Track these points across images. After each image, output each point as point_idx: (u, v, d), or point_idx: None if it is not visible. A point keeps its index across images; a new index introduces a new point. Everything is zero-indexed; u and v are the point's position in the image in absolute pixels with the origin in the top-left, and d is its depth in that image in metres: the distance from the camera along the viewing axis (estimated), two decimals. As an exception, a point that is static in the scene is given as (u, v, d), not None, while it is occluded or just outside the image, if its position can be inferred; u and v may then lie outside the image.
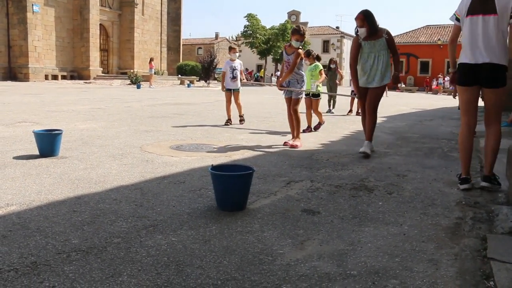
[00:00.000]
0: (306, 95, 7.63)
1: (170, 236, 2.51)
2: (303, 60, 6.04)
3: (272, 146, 5.84)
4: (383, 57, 5.29)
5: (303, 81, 6.08)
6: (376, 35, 5.23)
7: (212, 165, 3.23)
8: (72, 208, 2.95)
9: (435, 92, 37.05)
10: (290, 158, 4.97)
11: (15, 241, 2.37)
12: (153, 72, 26.49)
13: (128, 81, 28.44)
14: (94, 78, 30.23)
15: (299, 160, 4.85)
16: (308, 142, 6.31)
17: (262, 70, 45.98)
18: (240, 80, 8.58)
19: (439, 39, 43.52)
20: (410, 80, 43.72)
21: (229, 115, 8.30)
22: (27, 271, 2.04)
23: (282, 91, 6.25)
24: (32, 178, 3.74)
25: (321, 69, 8.13)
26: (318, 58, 8.33)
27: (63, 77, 29.59)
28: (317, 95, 7.98)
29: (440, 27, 46.47)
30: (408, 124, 9.51)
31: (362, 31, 5.19)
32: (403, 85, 41.02)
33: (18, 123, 7.37)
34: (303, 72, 6.11)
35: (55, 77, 28.89)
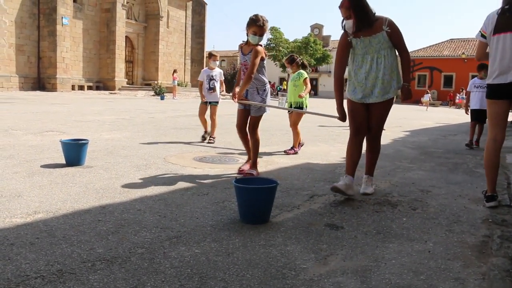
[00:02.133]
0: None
1: (194, 248, 2.52)
2: (264, 62, 4.66)
3: (295, 160, 5.82)
4: (385, 59, 3.75)
5: (265, 90, 4.64)
6: (372, 29, 3.71)
7: (236, 177, 3.25)
8: (97, 218, 3.00)
9: (459, 106, 36.48)
10: (313, 171, 4.96)
11: (42, 248, 2.42)
12: (176, 84, 26.85)
13: (152, 92, 28.86)
14: (119, 89, 30.78)
15: (322, 174, 4.83)
16: (330, 156, 6.28)
17: (285, 82, 46.10)
18: (220, 92, 7.62)
19: (463, 53, 42.97)
20: (434, 94, 43.16)
21: (205, 127, 7.41)
22: (53, 278, 2.07)
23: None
24: (59, 187, 3.82)
25: (305, 78, 6.61)
26: (303, 66, 6.79)
27: (89, 88, 30.21)
28: (301, 107, 6.58)
29: (464, 41, 45.90)
30: (432, 139, 9.38)
31: (349, 24, 3.73)
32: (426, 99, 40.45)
33: (46, 132, 7.55)
34: (265, 78, 4.69)
35: (81, 88, 29.53)
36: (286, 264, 2.34)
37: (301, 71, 6.68)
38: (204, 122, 7.43)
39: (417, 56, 45.07)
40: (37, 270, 2.15)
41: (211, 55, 7.53)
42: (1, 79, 24.94)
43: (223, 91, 7.78)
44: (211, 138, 7.23)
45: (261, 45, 4.57)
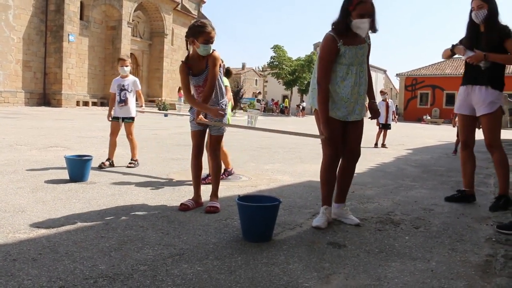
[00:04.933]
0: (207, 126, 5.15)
1: (196, 265, 2.52)
2: (221, 68, 3.95)
3: (298, 178, 5.83)
4: (365, 74, 3.42)
5: (223, 96, 3.97)
6: (359, 38, 3.32)
7: (238, 195, 3.25)
8: (100, 234, 3.01)
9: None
10: (316, 189, 4.95)
11: (44, 264, 2.42)
12: (182, 101, 27.02)
13: (156, 109, 29.00)
14: (123, 105, 30.94)
15: (324, 192, 4.82)
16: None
17: (286, 100, 46.32)
18: (138, 105, 6.23)
19: (465, 72, 43.13)
20: (436, 112, 43.23)
21: (110, 154, 5.99)
22: (56, 295, 2.07)
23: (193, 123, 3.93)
24: (62, 202, 3.83)
25: (225, 86, 4.76)
26: (228, 73, 5.38)
27: (94, 104, 30.40)
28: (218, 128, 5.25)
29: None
30: (434, 157, 9.38)
31: (365, 25, 3.20)
32: (428, 117, 40.54)
33: (50, 148, 7.59)
34: (222, 84, 3.97)
35: (86, 104, 29.71)
36: (289, 283, 2.33)
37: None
38: (112, 145, 6.05)
39: (419, 75, 45.25)
40: (39, 286, 2.15)
41: (119, 60, 6.12)
42: (7, 94, 25.16)
43: (142, 106, 6.35)
44: (132, 162, 6.04)
45: (214, 50, 3.75)
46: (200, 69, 3.76)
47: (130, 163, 6.01)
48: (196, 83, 3.80)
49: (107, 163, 5.88)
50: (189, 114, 3.99)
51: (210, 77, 3.72)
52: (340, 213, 3.56)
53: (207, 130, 3.96)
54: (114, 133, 6.09)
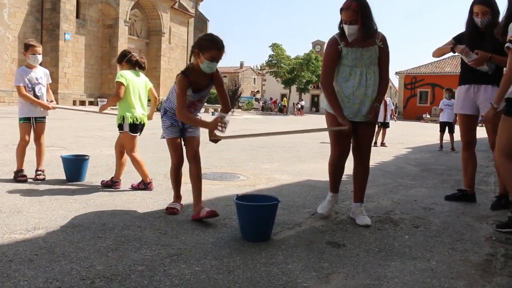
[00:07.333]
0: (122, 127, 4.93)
1: (194, 265, 2.49)
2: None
3: (296, 177, 5.81)
4: (374, 75, 3.41)
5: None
6: (366, 40, 3.35)
7: (237, 195, 3.23)
8: (97, 234, 2.98)
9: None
10: (315, 189, 4.94)
11: (41, 265, 2.40)
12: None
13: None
14: (121, 104, 30.96)
15: (323, 191, 4.79)
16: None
17: (285, 98, 46.33)
18: (49, 101, 5.02)
19: (464, 70, 43.16)
20: (436, 111, 43.31)
21: (20, 163, 4.85)
22: (52, 297, 2.04)
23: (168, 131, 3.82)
24: (59, 203, 3.80)
25: (116, 81, 4.61)
26: (139, 65, 4.76)
27: (90, 103, 30.36)
28: (120, 126, 4.93)
29: (465, 58, 46.08)
30: (434, 156, 9.37)
31: (352, 30, 3.26)
32: (428, 116, 40.60)
33: (46, 147, 7.49)
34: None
35: (82, 103, 29.67)
36: (288, 283, 2.31)
37: (121, 71, 4.64)
38: (23, 154, 4.92)
39: (419, 73, 45.26)
40: (36, 287, 2.12)
41: (28, 46, 4.84)
42: (3, 94, 25.12)
43: (52, 101, 5.12)
44: (39, 172, 4.89)
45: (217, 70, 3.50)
46: (200, 86, 3.50)
47: (37, 174, 4.86)
48: (192, 98, 3.53)
49: (21, 178, 4.74)
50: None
51: (226, 99, 3.71)
52: (354, 212, 3.66)
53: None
54: (23, 138, 4.94)
